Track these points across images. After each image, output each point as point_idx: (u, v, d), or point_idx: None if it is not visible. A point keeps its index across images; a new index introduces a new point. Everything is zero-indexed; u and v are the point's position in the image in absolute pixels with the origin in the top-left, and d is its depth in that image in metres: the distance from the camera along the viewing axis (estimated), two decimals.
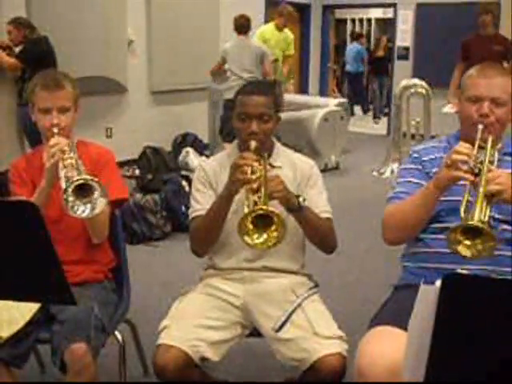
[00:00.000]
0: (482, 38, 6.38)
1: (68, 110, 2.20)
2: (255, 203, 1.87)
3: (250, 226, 1.85)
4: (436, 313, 1.15)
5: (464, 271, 1.90)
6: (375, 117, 11.98)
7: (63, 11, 6.02)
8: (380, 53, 12.02)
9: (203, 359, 2.00)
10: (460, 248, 1.74)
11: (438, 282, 1.14)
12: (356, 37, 12.98)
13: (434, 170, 1.99)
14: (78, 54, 6.00)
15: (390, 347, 1.69)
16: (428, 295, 1.17)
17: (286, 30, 7.37)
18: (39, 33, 5.51)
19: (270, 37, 7.15)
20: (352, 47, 12.52)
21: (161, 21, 7.46)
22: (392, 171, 7.00)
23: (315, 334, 1.97)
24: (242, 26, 6.52)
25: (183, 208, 4.76)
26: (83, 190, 1.95)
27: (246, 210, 1.86)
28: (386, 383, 1.67)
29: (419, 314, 1.22)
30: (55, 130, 2.15)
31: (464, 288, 1.14)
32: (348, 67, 12.47)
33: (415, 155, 2.15)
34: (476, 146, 1.90)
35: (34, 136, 4.88)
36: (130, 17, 7.01)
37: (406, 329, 1.33)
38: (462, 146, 1.84)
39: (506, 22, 8.40)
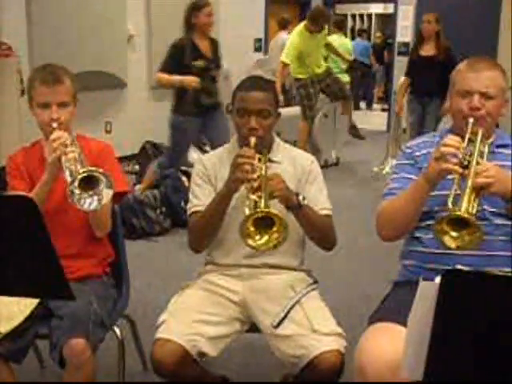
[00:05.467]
0: None
1: (67, 105, 2.19)
2: (255, 203, 1.87)
3: (252, 228, 1.86)
4: (435, 309, 1.15)
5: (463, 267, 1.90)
6: None
7: (63, 6, 6.01)
8: (430, 50, 5.97)
9: (201, 354, 2.00)
10: (446, 239, 1.74)
11: (438, 278, 1.14)
12: (359, 33, 12.93)
13: (426, 165, 1.99)
14: (77, 49, 5.98)
15: (390, 344, 1.69)
16: (428, 291, 1.17)
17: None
18: None
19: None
20: (358, 43, 12.38)
21: (160, 16, 7.44)
22: (392, 167, 6.99)
23: (314, 330, 1.96)
24: (279, 23, 8.48)
25: (183, 203, 4.75)
26: (88, 183, 1.95)
27: (247, 213, 1.86)
28: (383, 383, 1.67)
29: (419, 310, 1.22)
30: (54, 124, 2.14)
31: (463, 284, 1.14)
32: None
33: (408, 150, 2.15)
34: (466, 139, 1.90)
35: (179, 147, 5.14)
36: (130, 12, 6.99)
37: (405, 325, 1.33)
38: (451, 139, 1.84)
39: (506, 16, 8.41)
